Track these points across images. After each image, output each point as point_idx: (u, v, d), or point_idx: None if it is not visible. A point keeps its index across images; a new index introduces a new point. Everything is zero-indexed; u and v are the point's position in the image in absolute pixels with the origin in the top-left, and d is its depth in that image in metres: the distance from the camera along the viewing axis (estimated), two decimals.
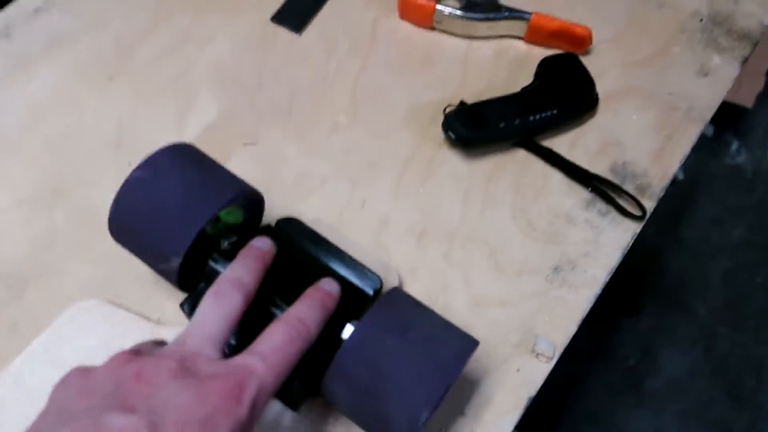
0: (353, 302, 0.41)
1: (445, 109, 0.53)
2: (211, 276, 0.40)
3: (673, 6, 0.60)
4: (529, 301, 0.47)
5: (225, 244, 0.40)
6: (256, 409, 0.29)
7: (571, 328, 0.47)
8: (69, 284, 0.47)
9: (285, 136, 0.53)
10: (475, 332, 0.46)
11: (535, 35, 0.57)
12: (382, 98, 0.55)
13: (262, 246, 0.38)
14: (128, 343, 0.43)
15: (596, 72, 0.55)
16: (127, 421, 0.26)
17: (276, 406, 0.41)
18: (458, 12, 0.57)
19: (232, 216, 0.42)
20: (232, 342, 0.37)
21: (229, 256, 0.40)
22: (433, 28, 0.59)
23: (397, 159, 0.52)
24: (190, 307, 0.39)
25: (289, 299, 0.39)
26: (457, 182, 0.52)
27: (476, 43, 0.58)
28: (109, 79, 0.56)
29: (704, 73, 0.57)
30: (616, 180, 0.52)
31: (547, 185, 0.51)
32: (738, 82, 0.58)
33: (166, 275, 0.40)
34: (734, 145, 1.52)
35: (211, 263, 0.40)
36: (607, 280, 0.48)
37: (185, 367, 0.29)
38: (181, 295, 0.45)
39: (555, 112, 0.52)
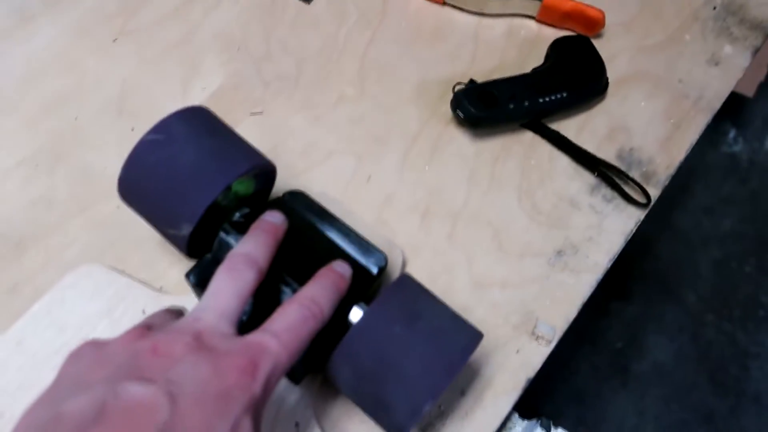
0: (357, 280, 0.41)
1: (454, 87, 0.52)
2: (221, 247, 0.39)
3: None
4: (530, 283, 0.47)
5: (237, 216, 0.40)
6: (269, 386, 0.30)
7: (572, 313, 0.47)
8: (69, 248, 0.46)
9: (291, 105, 0.53)
10: (476, 313, 0.46)
11: (548, 15, 0.56)
12: (390, 72, 0.55)
13: (274, 221, 0.38)
14: (131, 311, 0.43)
15: (607, 55, 0.54)
16: (146, 390, 0.26)
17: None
18: None
19: (243, 186, 0.41)
20: (243, 318, 0.37)
21: (241, 228, 0.39)
22: (444, 3, 0.58)
23: (403, 135, 0.52)
24: (195, 277, 0.39)
25: (293, 273, 0.39)
26: (463, 162, 0.51)
27: (487, 21, 0.58)
28: (112, 39, 0.54)
29: (715, 62, 0.57)
30: (622, 166, 0.51)
31: (554, 168, 0.51)
32: None
33: (174, 241, 0.39)
34: (732, 134, 1.52)
35: (222, 234, 0.39)
36: (609, 266, 0.48)
37: (201, 342, 0.29)
38: (184, 263, 0.45)
39: (565, 95, 0.51)
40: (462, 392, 0.43)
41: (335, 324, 0.38)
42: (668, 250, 1.41)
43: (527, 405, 0.45)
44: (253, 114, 0.52)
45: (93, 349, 0.29)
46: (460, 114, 0.50)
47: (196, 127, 0.39)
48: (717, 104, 0.55)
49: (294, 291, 0.38)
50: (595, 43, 0.55)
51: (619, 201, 0.50)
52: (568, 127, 0.53)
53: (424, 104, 0.53)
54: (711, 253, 1.42)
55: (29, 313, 0.42)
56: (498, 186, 0.50)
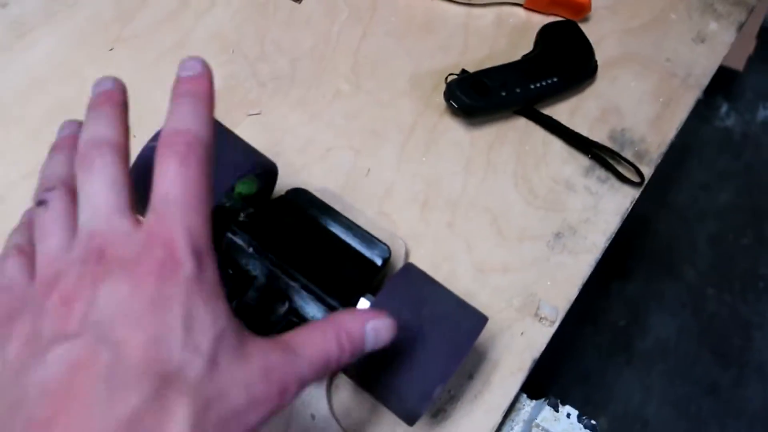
0: (363, 272, 0.42)
1: (446, 78, 0.53)
2: (229, 249, 0.40)
3: None
4: (531, 266, 0.48)
5: (242, 216, 0.41)
6: (199, 254, 0.26)
7: (573, 293, 0.48)
8: None
9: (288, 104, 0.53)
10: (479, 298, 0.47)
11: (535, 2, 0.57)
12: (383, 66, 0.56)
13: (103, 87, 0.31)
14: None
15: (594, 39, 0.55)
16: (74, 349, 0.23)
17: None
18: None
19: (246, 186, 0.42)
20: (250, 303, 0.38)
21: (247, 227, 0.40)
22: None
23: (399, 127, 0.53)
24: None
25: (300, 269, 0.40)
26: (459, 151, 0.52)
27: (476, 11, 0.59)
28: (109, 47, 0.55)
29: (701, 39, 0.58)
30: (614, 147, 0.52)
31: (548, 153, 0.52)
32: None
33: None
34: (724, 108, 1.54)
35: (229, 236, 0.40)
36: (607, 245, 0.50)
37: (106, 261, 0.25)
38: None
39: (555, 80, 0.52)
40: (470, 376, 0.45)
41: None
42: (666, 226, 1.43)
43: (534, 386, 0.47)
44: (250, 115, 0.53)
45: (8, 325, 0.26)
46: (454, 104, 0.51)
47: None
48: (705, 81, 0.56)
49: (302, 286, 0.39)
50: (583, 27, 0.56)
51: (614, 181, 0.51)
52: (560, 111, 0.54)
53: (418, 96, 0.54)
54: (708, 228, 1.43)
55: None
56: (494, 173, 0.52)
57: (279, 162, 0.50)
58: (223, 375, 0.24)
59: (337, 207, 0.44)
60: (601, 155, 0.52)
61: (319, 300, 0.39)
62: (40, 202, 0.28)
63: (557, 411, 0.48)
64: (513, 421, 0.46)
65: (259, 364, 0.26)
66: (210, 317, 0.25)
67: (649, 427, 1.25)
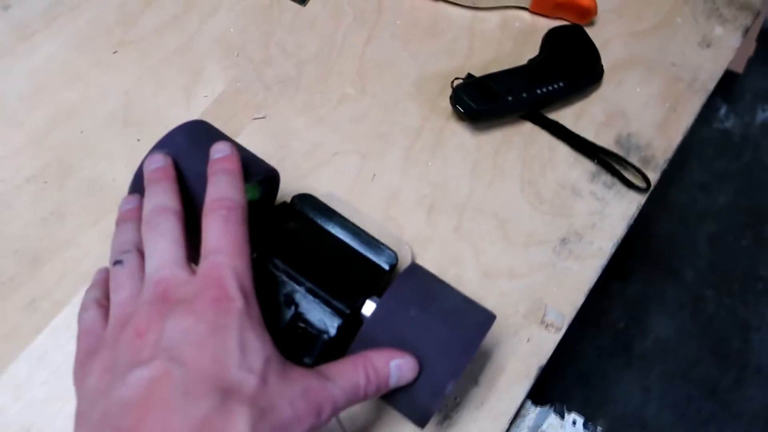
0: (370, 277, 0.42)
1: (452, 82, 0.53)
2: None
3: None
4: (537, 272, 0.48)
5: None
6: (245, 290, 0.31)
7: (579, 298, 0.48)
8: (84, 260, 0.47)
9: (293, 108, 0.53)
10: (486, 303, 0.46)
11: (541, 6, 0.57)
12: (389, 69, 0.55)
13: (157, 165, 0.37)
14: None
15: (600, 42, 0.55)
16: (151, 369, 0.28)
17: None
18: None
19: (249, 193, 0.42)
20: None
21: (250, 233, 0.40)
22: None
23: (405, 131, 0.53)
24: None
25: (306, 274, 0.39)
26: (465, 155, 0.52)
27: (481, 14, 0.58)
28: (113, 51, 0.55)
29: (707, 43, 0.57)
30: (620, 152, 0.52)
31: (554, 157, 0.52)
32: None
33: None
34: (723, 110, 1.54)
35: None
36: (613, 251, 0.49)
37: (170, 301, 0.31)
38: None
39: (561, 84, 0.52)
40: (476, 382, 0.44)
41: (352, 320, 0.39)
42: (665, 227, 1.43)
43: (535, 389, 0.47)
44: (256, 119, 0.52)
45: (88, 362, 0.31)
46: (460, 109, 0.51)
47: (199, 140, 0.40)
48: (711, 85, 0.56)
49: (308, 290, 0.39)
50: (588, 30, 0.56)
51: (620, 187, 0.51)
52: (566, 115, 0.54)
53: (423, 100, 0.54)
54: (707, 229, 1.43)
55: (50, 327, 0.43)
56: (500, 177, 0.51)
57: (285, 166, 0.50)
58: (272, 391, 0.29)
59: (344, 211, 0.44)
60: (607, 160, 0.52)
61: (326, 304, 0.39)
62: (117, 262, 0.35)
63: (563, 418, 0.48)
64: (518, 427, 0.46)
65: (300, 385, 0.31)
66: (259, 343, 0.30)
67: (648, 428, 1.25)
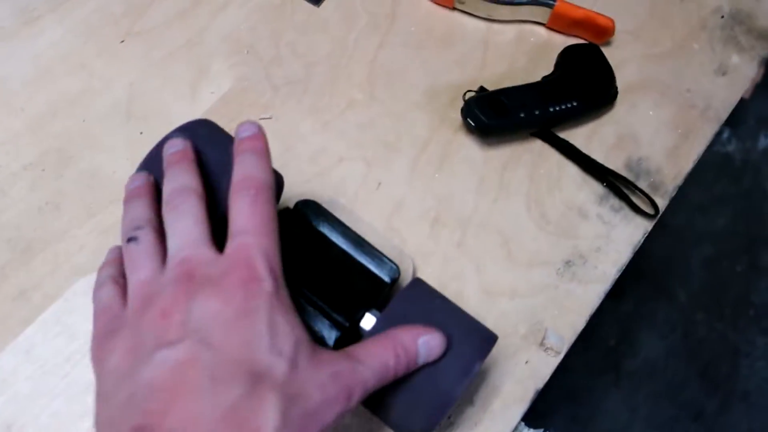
0: (371, 290, 0.41)
1: (464, 95, 0.52)
2: None
3: (696, 0, 0.60)
4: (539, 293, 0.47)
5: None
6: (275, 273, 0.31)
7: (580, 323, 0.47)
8: (78, 253, 0.46)
9: (301, 110, 0.52)
10: (485, 322, 0.45)
11: (558, 22, 0.56)
12: (400, 77, 0.54)
13: (176, 148, 0.37)
14: None
15: (615, 63, 0.54)
16: (178, 350, 0.27)
17: None
18: None
19: None
20: None
21: None
22: (454, 8, 0.57)
23: (413, 141, 0.52)
24: None
25: (305, 284, 0.39)
26: (472, 169, 0.51)
27: (497, 26, 0.57)
28: (119, 40, 0.54)
29: (723, 71, 0.57)
30: (630, 176, 0.52)
31: (562, 177, 0.51)
32: None
33: None
34: (725, 134, 1.53)
35: None
36: (617, 276, 0.49)
37: (196, 281, 0.30)
38: None
39: (575, 103, 0.51)
40: (471, 402, 0.44)
41: (351, 332, 0.38)
42: (661, 247, 1.43)
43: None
44: (262, 119, 0.51)
45: (108, 342, 0.30)
46: (471, 122, 0.50)
47: (202, 141, 0.39)
48: (724, 114, 0.55)
49: (306, 300, 0.38)
50: (604, 50, 0.55)
51: (627, 211, 0.51)
52: (577, 135, 0.53)
53: (433, 110, 0.53)
54: (703, 252, 1.43)
55: (39, 321, 0.42)
56: (507, 194, 0.51)
57: (289, 170, 0.49)
58: (302, 376, 0.28)
59: (346, 220, 0.43)
60: (615, 184, 0.51)
61: (324, 315, 0.38)
62: (131, 239, 0.33)
63: None
64: None
65: (330, 369, 0.30)
66: (289, 326, 0.29)
67: None
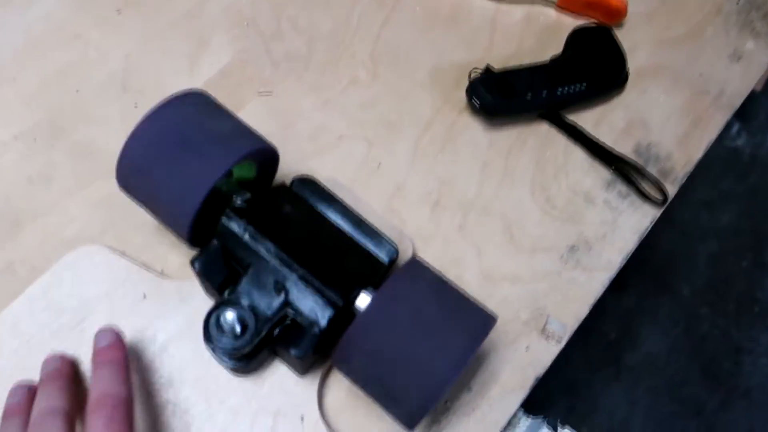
0: (368, 270, 0.39)
1: (470, 74, 0.51)
2: (224, 233, 0.38)
3: None
4: (541, 279, 0.46)
5: (238, 201, 0.38)
6: None
7: (583, 311, 0.46)
8: (67, 227, 0.44)
9: (301, 87, 0.51)
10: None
11: (568, 2, 0.55)
12: (404, 55, 0.53)
13: (54, 366, 0.38)
14: (131, 295, 0.41)
15: (627, 46, 0.53)
16: None
17: (281, 369, 0.40)
18: None
19: (244, 171, 0.40)
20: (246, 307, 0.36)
21: (243, 213, 0.38)
22: None
23: (416, 121, 0.50)
24: (200, 264, 0.38)
25: (299, 260, 0.37)
26: (476, 152, 0.50)
27: (505, 6, 0.56)
28: (116, 10, 0.52)
29: (737, 57, 0.55)
30: (639, 161, 0.50)
31: (569, 162, 0.50)
32: None
33: (175, 229, 0.38)
34: (735, 128, 1.51)
35: (224, 220, 0.38)
36: (622, 264, 0.47)
37: None
38: (186, 247, 0.44)
39: (583, 86, 0.50)
40: (469, 388, 0.42)
41: (344, 312, 0.37)
42: (665, 242, 1.41)
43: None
44: (261, 94, 0.50)
45: None
46: (476, 102, 0.48)
47: (195, 112, 0.37)
48: (737, 102, 0.53)
49: (300, 277, 0.37)
50: (616, 32, 0.53)
51: (635, 198, 0.49)
52: (586, 119, 0.51)
53: (438, 90, 0.52)
54: (708, 247, 1.41)
55: (25, 294, 0.41)
56: (511, 178, 0.49)
57: (287, 147, 0.47)
58: None
59: (345, 199, 0.42)
60: (624, 169, 0.49)
61: (318, 293, 0.37)
62: None
63: (555, 431, 0.46)
64: None
65: None
66: None
67: None
